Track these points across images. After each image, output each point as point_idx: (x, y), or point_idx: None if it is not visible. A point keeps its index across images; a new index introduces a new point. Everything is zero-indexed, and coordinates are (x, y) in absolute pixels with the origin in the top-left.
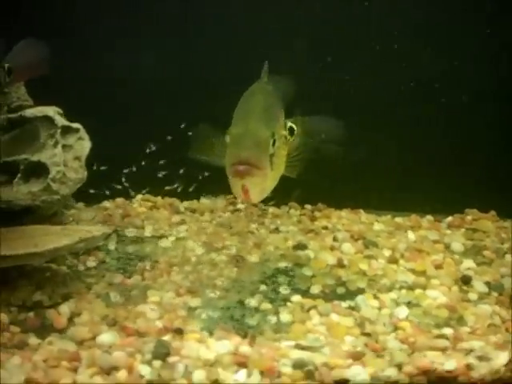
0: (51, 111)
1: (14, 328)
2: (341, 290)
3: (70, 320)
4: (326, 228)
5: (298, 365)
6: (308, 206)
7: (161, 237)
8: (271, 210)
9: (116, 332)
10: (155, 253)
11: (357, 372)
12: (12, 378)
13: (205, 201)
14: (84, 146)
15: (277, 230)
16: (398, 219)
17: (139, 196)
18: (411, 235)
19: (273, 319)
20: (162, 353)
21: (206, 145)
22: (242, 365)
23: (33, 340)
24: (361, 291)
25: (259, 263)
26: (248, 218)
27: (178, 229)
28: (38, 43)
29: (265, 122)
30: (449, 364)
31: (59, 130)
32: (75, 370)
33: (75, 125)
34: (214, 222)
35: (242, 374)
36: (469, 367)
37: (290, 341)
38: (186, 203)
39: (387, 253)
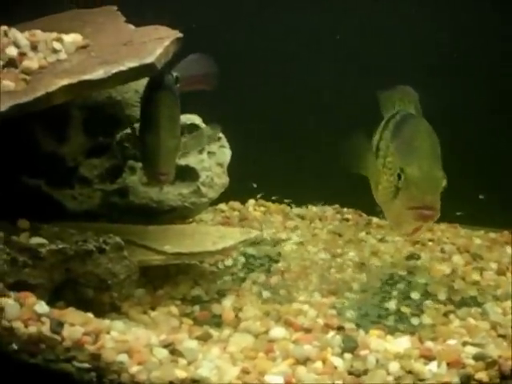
0: (197, 119)
1: (185, 320)
2: (464, 298)
3: (236, 315)
4: (432, 240)
5: (479, 357)
6: None
7: (280, 240)
8: (375, 220)
9: (284, 327)
10: (282, 255)
11: None
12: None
13: (314, 208)
14: (226, 153)
15: (384, 240)
16: (492, 234)
17: (251, 201)
18: (509, 250)
19: (416, 321)
20: (351, 346)
21: (359, 158)
22: (428, 357)
23: (212, 332)
24: (481, 299)
25: (380, 269)
26: (356, 227)
27: (293, 234)
28: (206, 59)
29: (438, 164)
30: None
31: (205, 138)
32: (274, 361)
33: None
34: (325, 230)
35: (433, 365)
36: None
37: (453, 340)
38: (295, 210)
39: (494, 265)
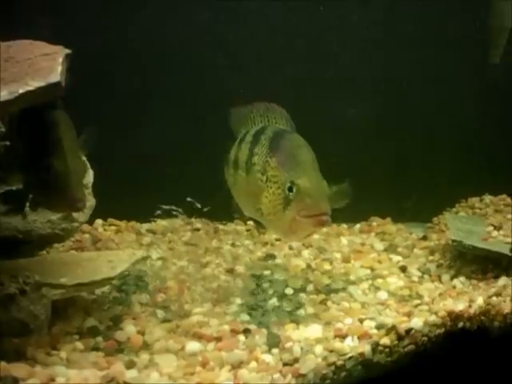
0: None
1: (96, 353)
2: (326, 286)
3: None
4: (278, 239)
5: (380, 327)
6: (250, 222)
7: (143, 258)
8: (221, 227)
9: (196, 341)
10: (153, 273)
11: (415, 322)
12: None
13: (162, 222)
14: (89, 173)
15: (235, 245)
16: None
17: (98, 221)
18: (344, 240)
19: (302, 312)
20: (276, 341)
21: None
22: (342, 336)
23: (135, 359)
24: (341, 285)
25: (247, 272)
26: (207, 236)
27: (152, 250)
28: None
29: (319, 174)
30: (459, 306)
31: None
32: (213, 370)
33: None
34: (179, 242)
35: (349, 340)
36: (470, 306)
37: (348, 319)
38: (145, 225)
39: (338, 255)
